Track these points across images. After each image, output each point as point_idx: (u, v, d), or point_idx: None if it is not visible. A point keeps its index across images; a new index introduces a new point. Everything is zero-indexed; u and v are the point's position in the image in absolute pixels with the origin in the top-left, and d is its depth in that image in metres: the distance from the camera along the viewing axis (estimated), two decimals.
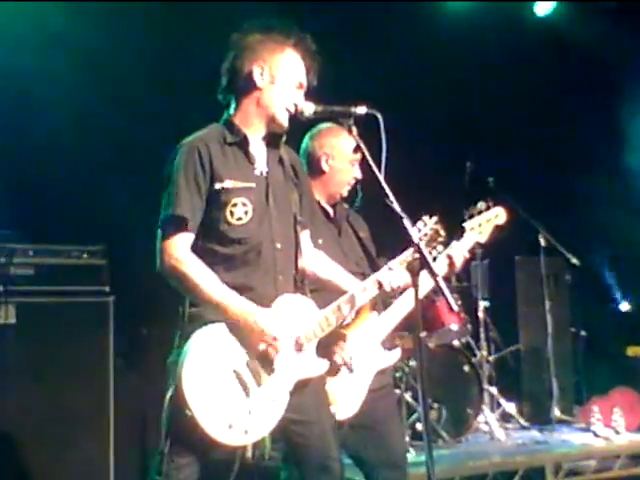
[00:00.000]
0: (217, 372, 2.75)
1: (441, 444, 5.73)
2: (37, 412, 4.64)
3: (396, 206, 2.76)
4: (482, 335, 6.60)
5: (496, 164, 6.55)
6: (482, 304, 6.72)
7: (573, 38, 7.38)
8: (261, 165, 3.01)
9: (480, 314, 6.67)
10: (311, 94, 3.07)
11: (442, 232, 3.34)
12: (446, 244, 3.47)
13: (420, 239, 3.22)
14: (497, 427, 6.24)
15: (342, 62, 6.08)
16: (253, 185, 2.93)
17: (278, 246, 2.95)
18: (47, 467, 4.64)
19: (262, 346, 2.78)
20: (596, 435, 6.05)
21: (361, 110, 2.90)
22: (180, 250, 2.82)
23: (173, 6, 5.63)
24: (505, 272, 7.06)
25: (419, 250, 2.75)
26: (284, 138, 3.10)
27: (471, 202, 3.67)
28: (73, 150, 5.31)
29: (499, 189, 5.99)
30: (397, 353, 3.55)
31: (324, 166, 3.66)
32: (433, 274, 2.72)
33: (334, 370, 3.25)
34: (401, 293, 3.50)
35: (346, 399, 3.36)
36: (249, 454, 2.82)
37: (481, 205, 3.62)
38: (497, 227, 3.64)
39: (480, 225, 3.59)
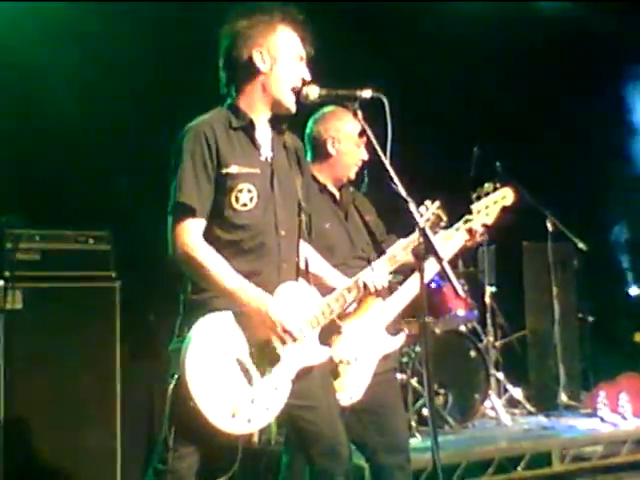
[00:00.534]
0: (220, 361, 2.73)
1: (447, 429, 5.73)
2: (43, 398, 4.65)
3: (401, 190, 2.75)
4: (489, 321, 6.60)
5: (504, 149, 6.51)
6: (489, 289, 6.72)
7: (582, 26, 7.35)
8: (266, 151, 2.98)
9: (487, 299, 6.66)
10: (317, 79, 3.05)
11: (444, 217, 3.34)
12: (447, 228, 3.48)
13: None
14: (503, 412, 6.24)
15: (349, 46, 6.09)
16: (258, 171, 2.90)
17: (282, 233, 2.92)
18: (54, 453, 4.65)
19: (272, 337, 2.77)
20: (603, 420, 6.05)
21: (366, 94, 2.88)
22: (192, 237, 2.79)
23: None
24: (512, 258, 7.04)
25: (425, 234, 2.73)
26: (286, 124, 3.07)
27: (478, 186, 3.65)
28: (78, 135, 5.31)
29: (506, 174, 5.96)
30: (401, 338, 3.54)
31: (330, 150, 3.64)
32: (439, 259, 2.71)
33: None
34: (405, 279, 3.50)
35: (351, 384, 3.36)
36: (255, 439, 2.82)
37: (488, 186, 3.60)
38: (504, 209, 3.62)
39: (487, 207, 3.57)
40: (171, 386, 2.72)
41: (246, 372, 2.77)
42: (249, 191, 2.86)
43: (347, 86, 2.95)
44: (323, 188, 3.64)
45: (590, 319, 7.29)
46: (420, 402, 5.64)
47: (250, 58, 2.93)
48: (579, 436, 5.74)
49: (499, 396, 6.49)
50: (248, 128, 2.95)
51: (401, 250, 3.29)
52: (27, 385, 4.63)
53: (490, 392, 6.21)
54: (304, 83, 2.98)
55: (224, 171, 2.84)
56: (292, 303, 2.88)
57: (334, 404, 3.06)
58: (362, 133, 3.05)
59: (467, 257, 6.78)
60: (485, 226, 3.58)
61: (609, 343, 7.23)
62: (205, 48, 3.15)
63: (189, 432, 2.72)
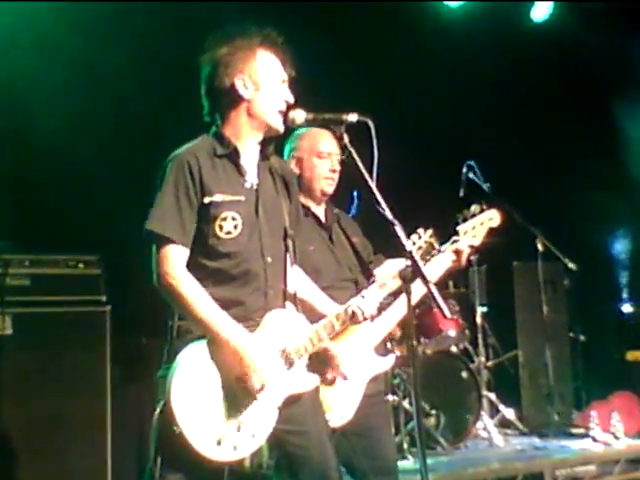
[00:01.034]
0: (206, 388, 2.73)
1: (439, 451, 5.73)
2: (34, 423, 4.62)
3: (388, 213, 2.76)
4: (480, 341, 6.62)
5: (493, 170, 6.54)
6: (480, 310, 6.73)
7: (570, 43, 7.41)
8: (252, 177, 2.97)
9: (478, 320, 6.68)
10: (303, 102, 3.06)
11: (436, 245, 3.33)
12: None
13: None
14: (496, 433, 6.23)
15: (336, 69, 6.13)
16: (242, 198, 2.90)
17: (268, 260, 2.92)
18: (44, 476, 4.61)
19: (248, 377, 2.73)
20: (595, 440, 6.04)
21: (352, 117, 2.90)
22: (174, 267, 2.77)
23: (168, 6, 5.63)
24: (503, 278, 7.06)
25: (412, 257, 2.75)
26: (272, 147, 3.07)
27: (465, 208, 3.65)
28: (69, 160, 5.31)
29: (495, 195, 5.97)
30: (391, 359, 3.54)
31: (296, 170, 3.62)
32: (426, 281, 2.72)
33: (330, 381, 3.24)
34: (394, 299, 3.50)
35: (340, 406, 3.35)
36: (247, 463, 2.81)
37: (475, 208, 3.58)
38: (491, 230, 3.61)
39: (474, 228, 3.56)
40: (157, 412, 2.72)
41: (232, 399, 2.75)
42: (233, 219, 2.86)
43: (333, 109, 2.96)
44: (307, 210, 3.62)
45: (581, 338, 7.29)
46: (412, 424, 5.62)
47: (232, 85, 2.93)
48: (571, 456, 5.74)
49: (491, 417, 6.48)
50: (233, 156, 2.94)
51: (391, 279, 3.27)
52: (18, 410, 4.60)
53: (482, 413, 6.21)
54: (288, 105, 2.99)
55: (208, 200, 2.83)
56: (279, 331, 2.88)
57: (324, 428, 3.04)
58: (343, 149, 3.01)
59: (458, 278, 6.81)
60: (472, 247, 3.58)
61: (600, 362, 7.23)
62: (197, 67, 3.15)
63: (175, 459, 2.71)
